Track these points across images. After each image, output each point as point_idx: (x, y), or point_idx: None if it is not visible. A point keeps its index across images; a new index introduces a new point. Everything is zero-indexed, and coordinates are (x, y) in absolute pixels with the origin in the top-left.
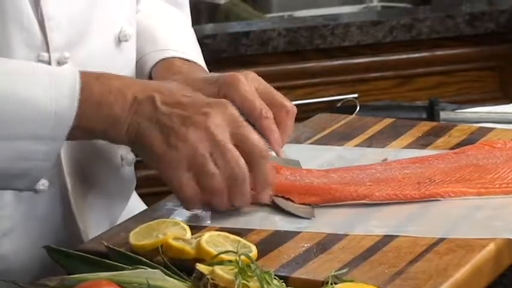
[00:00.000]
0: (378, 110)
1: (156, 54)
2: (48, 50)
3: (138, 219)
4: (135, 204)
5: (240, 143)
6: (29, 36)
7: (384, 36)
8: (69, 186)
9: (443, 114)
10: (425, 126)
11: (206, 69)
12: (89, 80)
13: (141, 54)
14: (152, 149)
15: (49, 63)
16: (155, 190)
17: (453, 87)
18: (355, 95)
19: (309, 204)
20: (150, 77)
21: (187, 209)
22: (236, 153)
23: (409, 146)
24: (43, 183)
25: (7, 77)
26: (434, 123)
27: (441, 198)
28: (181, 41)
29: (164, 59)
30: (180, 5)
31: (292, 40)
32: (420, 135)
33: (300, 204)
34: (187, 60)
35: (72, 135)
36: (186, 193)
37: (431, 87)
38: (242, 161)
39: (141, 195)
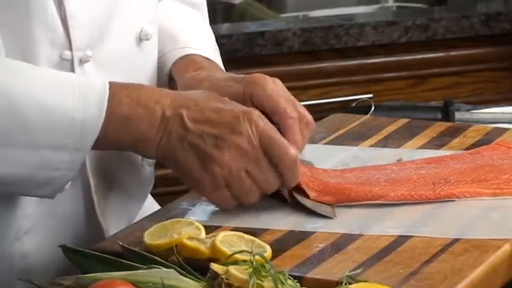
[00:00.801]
0: (393, 110)
1: (176, 51)
2: (70, 49)
3: (153, 218)
4: (149, 204)
5: (270, 150)
6: (53, 34)
7: (399, 37)
8: (92, 185)
9: (458, 115)
10: (440, 126)
11: (224, 70)
12: (117, 90)
13: (161, 53)
14: (190, 173)
15: (72, 61)
16: (170, 190)
17: (468, 87)
18: (370, 95)
19: (325, 203)
20: (170, 75)
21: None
22: (268, 168)
23: (424, 147)
24: None
25: (35, 85)
26: (449, 124)
27: (456, 199)
28: (200, 41)
29: (184, 56)
30: (198, 6)
31: (307, 40)
32: (435, 135)
33: (317, 202)
34: (207, 58)
35: (98, 146)
36: (224, 208)
37: (446, 87)
38: (273, 174)
39: (155, 195)
